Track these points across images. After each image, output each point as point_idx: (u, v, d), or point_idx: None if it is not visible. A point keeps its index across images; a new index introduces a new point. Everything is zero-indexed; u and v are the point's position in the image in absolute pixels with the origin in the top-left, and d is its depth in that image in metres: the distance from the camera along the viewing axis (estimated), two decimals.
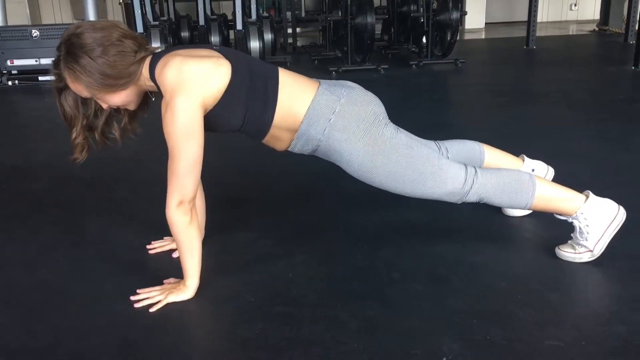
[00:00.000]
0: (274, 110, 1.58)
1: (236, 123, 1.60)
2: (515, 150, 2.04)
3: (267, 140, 1.67)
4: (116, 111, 1.66)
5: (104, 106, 1.59)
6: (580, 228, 1.64)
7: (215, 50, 1.60)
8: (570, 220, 1.67)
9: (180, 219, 1.50)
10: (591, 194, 1.67)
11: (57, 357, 1.35)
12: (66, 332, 1.44)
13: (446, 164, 1.64)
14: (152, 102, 1.67)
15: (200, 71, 1.50)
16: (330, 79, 5.31)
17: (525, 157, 2.00)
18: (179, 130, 1.47)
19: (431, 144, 1.89)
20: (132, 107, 1.63)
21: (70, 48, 1.48)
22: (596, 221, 1.63)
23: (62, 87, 1.57)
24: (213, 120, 1.56)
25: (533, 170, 1.96)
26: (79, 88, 1.53)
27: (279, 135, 1.64)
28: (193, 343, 1.40)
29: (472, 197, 1.66)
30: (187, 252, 1.55)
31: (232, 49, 1.63)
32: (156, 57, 1.56)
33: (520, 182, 1.66)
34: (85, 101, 1.61)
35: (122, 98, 1.56)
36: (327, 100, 1.59)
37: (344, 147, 1.60)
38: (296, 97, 1.60)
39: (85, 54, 1.47)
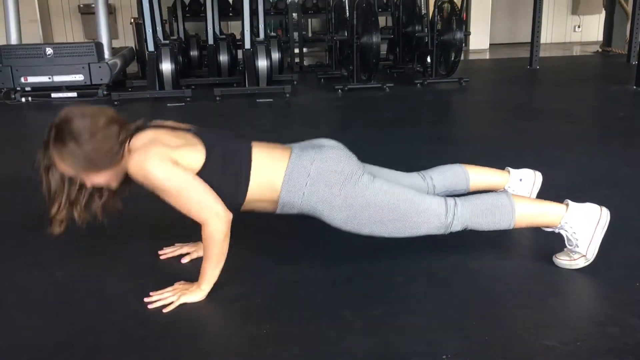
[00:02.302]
0: (247, 188, 1.67)
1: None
2: (515, 163, 2.11)
3: (251, 209, 1.74)
4: (99, 189, 1.71)
5: (87, 184, 1.66)
6: (568, 237, 1.70)
7: (191, 134, 1.69)
8: (557, 231, 1.73)
9: (220, 230, 1.58)
10: (570, 202, 1.72)
11: (75, 353, 1.41)
12: (83, 330, 1.50)
13: (424, 202, 1.72)
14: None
15: (173, 141, 1.61)
16: (336, 97, 5.41)
17: (510, 169, 2.07)
18: (158, 175, 1.55)
19: (415, 176, 1.98)
20: (114, 185, 1.70)
21: (59, 133, 1.59)
22: (582, 227, 1.68)
23: (49, 166, 1.65)
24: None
25: (521, 179, 2.04)
26: (65, 168, 1.61)
27: (261, 206, 1.74)
28: (204, 340, 1.47)
29: (456, 227, 1.74)
30: (213, 262, 1.62)
31: (208, 131, 1.74)
32: (136, 131, 1.64)
33: (499, 206, 1.73)
34: (70, 179, 1.66)
35: (104, 178, 1.65)
36: (300, 166, 1.68)
37: (325, 207, 1.69)
38: (269, 171, 1.69)
39: (72, 140, 1.57)
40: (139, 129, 1.66)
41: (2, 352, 1.42)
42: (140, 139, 1.61)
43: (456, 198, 1.76)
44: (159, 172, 1.56)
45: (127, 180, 1.71)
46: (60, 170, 1.62)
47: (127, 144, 1.63)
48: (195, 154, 1.63)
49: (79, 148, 1.57)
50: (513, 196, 1.77)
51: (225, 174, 1.66)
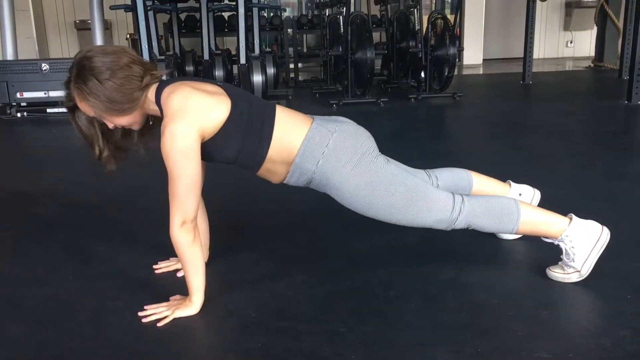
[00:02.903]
0: (269, 145, 1.68)
1: (230, 155, 1.69)
2: (508, 176, 2.14)
3: (262, 173, 1.75)
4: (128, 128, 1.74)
5: (110, 125, 1.67)
6: (566, 250, 1.71)
7: (219, 86, 1.70)
8: (556, 242, 1.74)
9: (184, 238, 1.58)
10: (574, 217, 1.74)
11: None
12: (77, 343, 1.50)
13: (434, 193, 1.73)
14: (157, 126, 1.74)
15: (203, 104, 1.60)
16: (331, 111, 5.45)
17: (511, 182, 2.09)
18: (177, 153, 1.55)
19: (421, 173, 1.99)
20: (136, 127, 1.71)
21: (81, 70, 1.57)
22: (581, 243, 1.70)
23: (72, 107, 1.66)
24: (207, 150, 1.65)
25: (520, 194, 2.05)
26: (86, 108, 1.61)
27: (274, 169, 1.73)
28: (198, 354, 1.47)
29: (460, 224, 1.74)
30: (191, 270, 1.62)
31: (234, 86, 1.73)
32: (164, 84, 1.65)
33: (505, 208, 1.74)
34: (97, 119, 1.68)
35: (127, 120, 1.65)
36: (320, 134, 1.69)
37: (337, 179, 1.69)
38: (291, 132, 1.69)
39: (93, 77, 1.55)
40: (165, 81, 1.65)
41: None
42: (174, 99, 1.58)
43: (464, 195, 1.77)
44: (177, 151, 1.54)
45: (154, 119, 1.72)
46: (83, 110, 1.63)
47: (150, 90, 1.63)
48: (221, 109, 1.62)
49: (101, 86, 1.55)
50: (520, 202, 1.78)
51: (249, 130, 1.65)
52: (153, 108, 1.66)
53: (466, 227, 1.76)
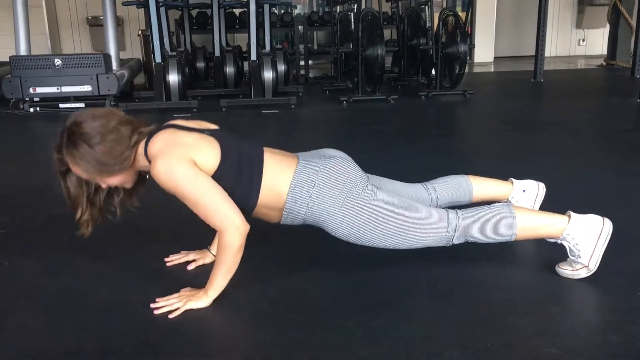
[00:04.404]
0: (258, 194, 1.71)
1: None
2: (518, 173, 2.14)
3: (258, 216, 1.78)
4: (115, 188, 1.77)
5: (103, 186, 1.71)
6: (570, 248, 1.72)
7: (208, 135, 1.72)
8: (559, 242, 1.74)
9: (236, 243, 1.60)
10: (573, 214, 1.74)
11: (83, 357, 1.43)
12: (90, 335, 1.53)
13: (428, 214, 1.74)
14: (148, 179, 1.77)
15: (189, 140, 1.64)
16: (342, 108, 5.46)
17: (513, 180, 2.09)
18: (181, 178, 1.58)
19: (418, 187, 2.00)
20: (128, 186, 1.75)
21: (71, 136, 1.62)
22: (584, 238, 1.70)
23: (65, 171, 1.70)
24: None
25: (524, 190, 2.05)
26: (79, 171, 1.66)
27: (267, 213, 1.77)
28: (210, 345, 1.49)
29: (458, 240, 1.76)
30: (224, 271, 1.64)
31: (223, 133, 1.77)
32: (151, 136, 1.68)
33: (500, 218, 1.75)
34: (87, 182, 1.72)
35: (119, 179, 1.70)
36: (306, 177, 1.71)
37: (328, 218, 1.72)
38: (279, 179, 1.72)
39: (83, 142, 1.60)
40: (153, 134, 1.68)
41: (13, 356, 1.44)
42: (158, 142, 1.63)
43: (458, 211, 1.78)
44: (182, 178, 1.58)
45: (142, 178, 1.75)
46: (75, 174, 1.66)
47: (139, 147, 1.66)
48: (211, 155, 1.65)
49: (91, 151, 1.59)
50: (515, 208, 1.78)
51: (239, 178, 1.68)
52: (144, 164, 1.68)
53: (465, 241, 1.78)
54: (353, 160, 1.85)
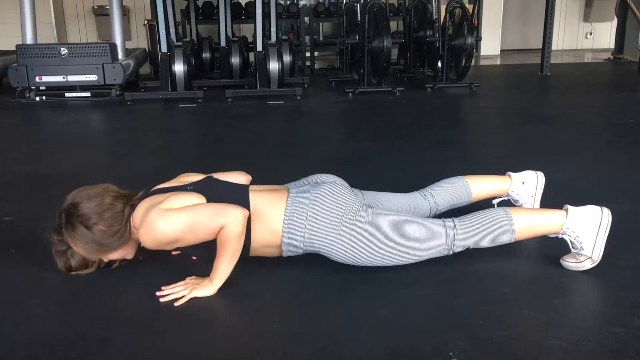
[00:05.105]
0: (250, 234, 1.70)
1: (213, 249, 1.68)
2: (523, 166, 2.13)
3: (257, 255, 1.77)
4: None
5: (105, 260, 1.76)
6: (571, 241, 1.72)
7: (189, 190, 1.73)
8: (560, 236, 1.74)
9: (235, 229, 1.61)
10: (570, 207, 1.74)
11: (89, 344, 1.44)
12: (96, 322, 1.54)
13: (425, 227, 1.74)
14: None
15: (164, 197, 1.67)
16: (347, 99, 5.45)
17: (511, 173, 2.08)
18: (169, 228, 1.60)
19: (415, 196, 2.00)
20: (129, 257, 1.78)
21: (69, 218, 1.66)
22: (584, 230, 1.70)
23: (65, 250, 1.73)
24: (191, 245, 1.68)
25: (523, 182, 2.04)
26: (80, 250, 1.70)
27: (267, 251, 1.77)
28: (214, 334, 1.49)
29: (458, 248, 1.76)
30: (227, 259, 1.64)
31: (205, 183, 1.78)
32: (134, 207, 1.70)
33: (496, 221, 1.76)
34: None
35: (119, 254, 1.74)
36: (298, 210, 1.71)
37: (325, 245, 1.71)
38: (270, 217, 1.72)
39: (81, 224, 1.65)
40: (136, 205, 1.70)
41: (21, 342, 1.45)
42: (139, 213, 1.66)
43: (455, 220, 1.78)
44: (164, 228, 1.60)
45: (141, 247, 1.77)
46: (77, 252, 1.71)
47: (132, 216, 1.69)
48: (193, 200, 1.67)
49: (89, 232, 1.65)
50: (511, 210, 1.78)
51: None
52: (135, 236, 1.71)
53: (466, 249, 1.78)
54: (344, 182, 1.87)
